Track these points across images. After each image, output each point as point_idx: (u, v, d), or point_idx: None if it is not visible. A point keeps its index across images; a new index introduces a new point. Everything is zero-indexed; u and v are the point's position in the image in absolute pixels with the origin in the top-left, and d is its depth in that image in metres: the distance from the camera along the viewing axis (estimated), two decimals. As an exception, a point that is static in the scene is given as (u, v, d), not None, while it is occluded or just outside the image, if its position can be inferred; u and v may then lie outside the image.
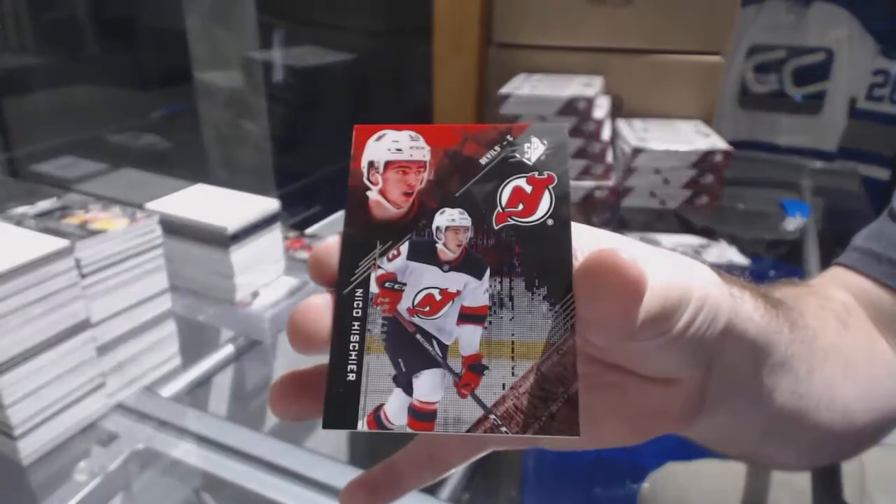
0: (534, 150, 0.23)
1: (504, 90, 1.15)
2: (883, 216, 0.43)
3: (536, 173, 0.22)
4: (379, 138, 0.23)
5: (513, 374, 0.20)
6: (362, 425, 0.20)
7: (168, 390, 0.73)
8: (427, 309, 0.21)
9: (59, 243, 0.60)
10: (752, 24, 1.95)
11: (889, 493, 0.63)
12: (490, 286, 0.21)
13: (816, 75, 1.94)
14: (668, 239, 1.06)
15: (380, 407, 0.20)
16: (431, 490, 0.61)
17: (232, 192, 0.87)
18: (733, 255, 1.01)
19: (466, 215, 0.22)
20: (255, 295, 0.84)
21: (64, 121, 1.44)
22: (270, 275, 0.87)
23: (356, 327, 0.21)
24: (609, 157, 1.17)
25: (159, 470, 0.66)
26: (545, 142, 0.23)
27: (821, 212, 1.25)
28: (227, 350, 0.84)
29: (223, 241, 0.79)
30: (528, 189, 0.22)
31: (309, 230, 1.13)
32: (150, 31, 1.61)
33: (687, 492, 0.70)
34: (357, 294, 0.21)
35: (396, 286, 0.21)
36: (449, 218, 0.22)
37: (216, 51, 1.51)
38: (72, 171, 1.32)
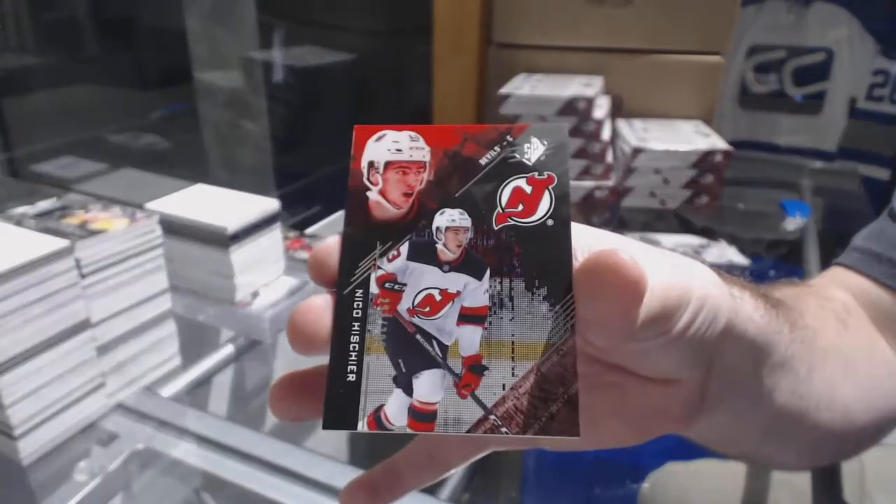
0: (534, 150, 0.23)
1: (504, 90, 1.15)
2: (883, 216, 0.43)
3: (536, 173, 0.22)
4: (379, 139, 0.23)
5: (513, 374, 0.20)
6: (362, 426, 0.20)
7: (168, 390, 0.73)
8: (427, 309, 0.21)
9: (59, 243, 0.60)
10: (752, 24, 1.95)
11: (889, 493, 0.63)
12: (490, 287, 0.21)
13: (816, 75, 1.94)
14: (668, 239, 1.06)
15: (380, 407, 0.20)
16: (431, 490, 0.61)
17: (232, 192, 0.87)
18: (733, 255, 1.01)
19: (466, 216, 0.22)
20: (255, 295, 0.84)
21: (64, 121, 1.44)
22: (270, 275, 0.87)
23: (356, 328, 0.21)
24: (609, 157, 1.17)
25: (159, 470, 0.66)
26: (545, 142, 0.23)
27: (821, 212, 1.25)
28: (227, 350, 0.84)
29: (223, 241, 0.79)
30: (528, 189, 0.22)
31: (309, 230, 1.13)
32: (150, 31, 1.61)
33: (687, 492, 0.70)
34: (357, 294, 0.21)
35: (396, 287, 0.21)
36: (449, 218, 0.22)
37: (216, 51, 1.50)
38: (72, 171, 1.32)
